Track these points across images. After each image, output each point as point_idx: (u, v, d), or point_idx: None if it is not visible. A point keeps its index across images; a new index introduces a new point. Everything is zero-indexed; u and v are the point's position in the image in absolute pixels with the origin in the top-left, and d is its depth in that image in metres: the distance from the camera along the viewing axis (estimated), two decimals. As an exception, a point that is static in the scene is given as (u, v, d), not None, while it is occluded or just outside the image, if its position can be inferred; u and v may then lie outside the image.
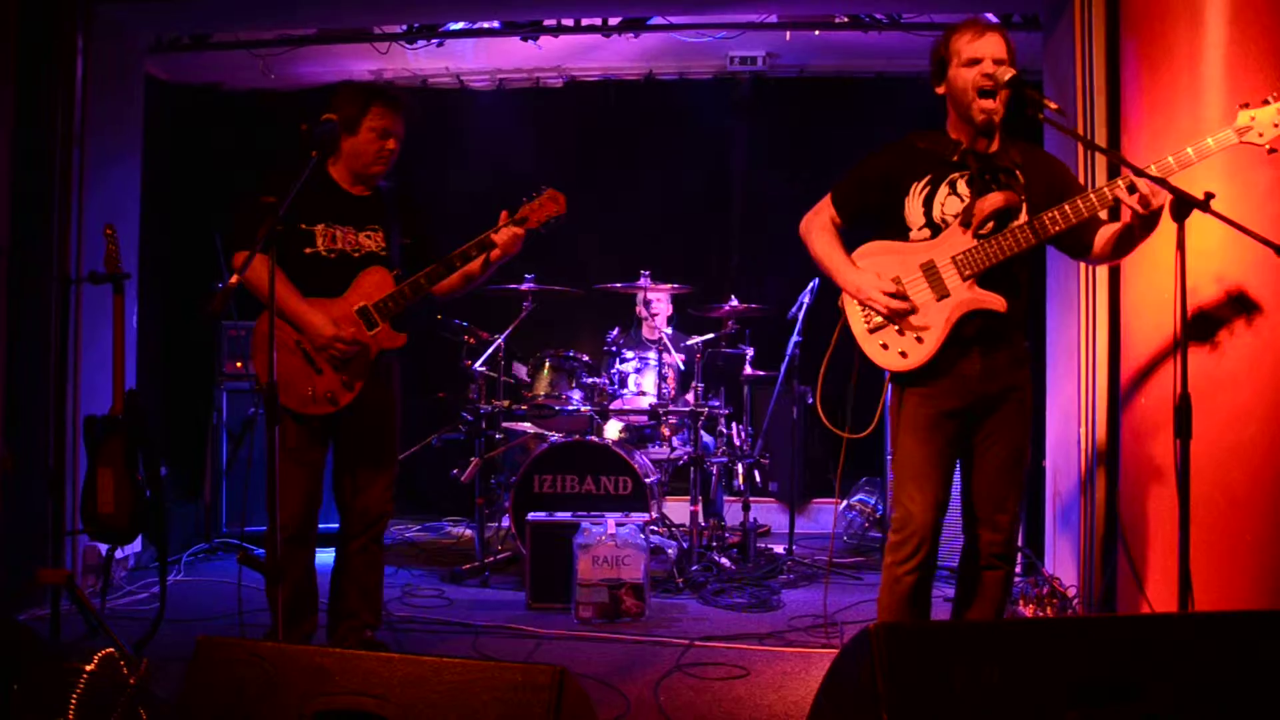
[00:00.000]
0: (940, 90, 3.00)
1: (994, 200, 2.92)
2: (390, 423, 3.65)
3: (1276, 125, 2.74)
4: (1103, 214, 2.87)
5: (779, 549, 5.65)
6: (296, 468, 3.43)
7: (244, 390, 5.92)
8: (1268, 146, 2.76)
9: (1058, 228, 2.83)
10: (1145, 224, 2.82)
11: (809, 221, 3.19)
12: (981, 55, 2.86)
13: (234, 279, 2.74)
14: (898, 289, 2.96)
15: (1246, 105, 2.77)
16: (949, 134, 3.03)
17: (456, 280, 3.57)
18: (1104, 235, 2.97)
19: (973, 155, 2.97)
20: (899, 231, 3.05)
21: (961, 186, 2.98)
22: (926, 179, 3.01)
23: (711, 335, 5.69)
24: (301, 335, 3.38)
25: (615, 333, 5.70)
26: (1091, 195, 2.81)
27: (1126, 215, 2.84)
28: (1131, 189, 2.74)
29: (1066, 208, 2.82)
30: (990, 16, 5.45)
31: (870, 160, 3.13)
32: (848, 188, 3.14)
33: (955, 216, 2.96)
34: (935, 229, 2.99)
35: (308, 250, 3.44)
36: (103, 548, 4.44)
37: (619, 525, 4.47)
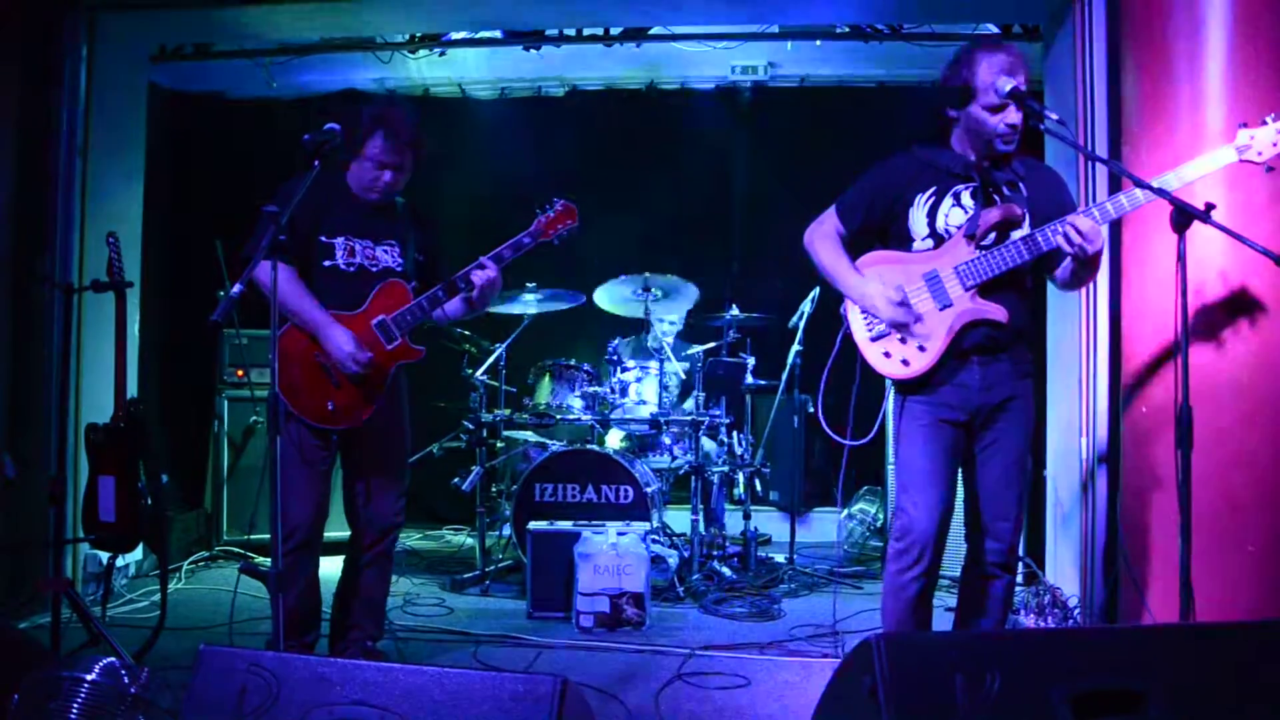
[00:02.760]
0: (954, 113, 3.01)
1: (997, 213, 2.95)
2: (403, 436, 3.67)
3: (1275, 144, 2.78)
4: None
5: (780, 558, 5.65)
6: (307, 478, 3.43)
7: (245, 398, 5.92)
8: (1266, 165, 2.80)
9: (1051, 246, 2.87)
10: (1084, 266, 2.90)
11: (813, 231, 3.21)
12: (1009, 101, 2.89)
13: (236, 287, 2.74)
14: (902, 298, 2.98)
15: (1246, 124, 2.81)
16: (953, 148, 3.06)
17: (460, 306, 3.60)
18: (1065, 264, 3.02)
19: (978, 168, 3.01)
20: (902, 242, 3.08)
21: (966, 198, 3.01)
22: (931, 191, 3.04)
23: (713, 344, 5.69)
24: (321, 350, 3.39)
25: (617, 342, 5.70)
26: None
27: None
28: (1069, 239, 2.79)
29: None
30: (990, 27, 5.48)
31: (875, 172, 3.16)
32: (853, 199, 3.16)
33: (959, 227, 2.98)
34: (939, 240, 3.02)
35: (327, 263, 3.46)
36: (103, 556, 4.43)
37: (620, 534, 4.47)
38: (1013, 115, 2.90)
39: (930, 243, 3.03)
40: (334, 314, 3.40)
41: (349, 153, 3.44)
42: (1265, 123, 2.79)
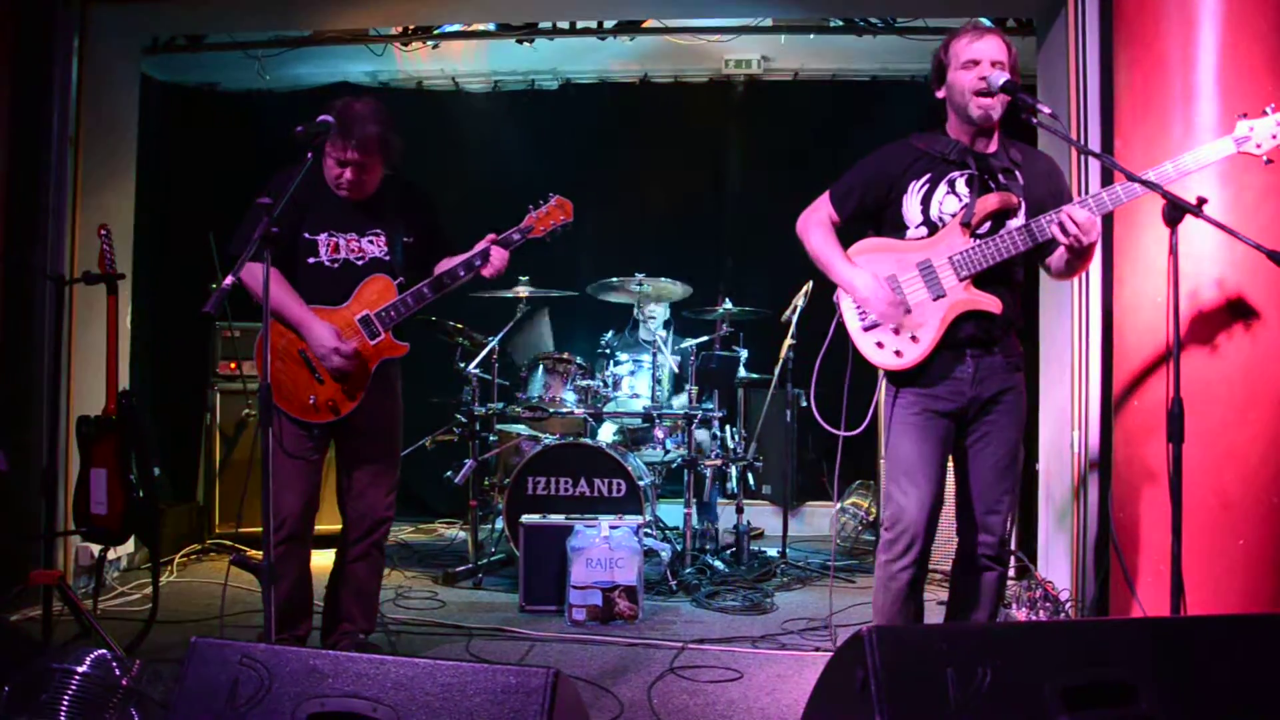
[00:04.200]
0: (940, 94, 3.03)
1: (992, 201, 2.94)
2: (393, 430, 3.66)
3: (1275, 136, 2.76)
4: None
5: (772, 552, 5.65)
6: (295, 470, 3.42)
7: (237, 391, 5.91)
8: (1265, 157, 2.78)
9: (1047, 236, 2.86)
10: (1078, 255, 2.90)
11: (806, 218, 3.19)
12: (979, 57, 2.90)
13: (228, 279, 2.73)
14: (895, 291, 2.97)
15: (1245, 115, 2.79)
16: (949, 135, 3.05)
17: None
18: (1058, 253, 3.01)
19: (972, 155, 2.99)
20: (896, 229, 3.07)
21: (960, 186, 3.00)
22: (926, 178, 3.02)
23: (706, 338, 5.69)
24: (304, 344, 3.38)
25: (609, 335, 5.70)
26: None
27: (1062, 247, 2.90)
28: (1064, 229, 2.79)
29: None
30: (984, 20, 5.47)
31: (870, 159, 3.14)
32: (846, 186, 3.15)
33: (953, 215, 2.97)
34: (932, 228, 3.01)
35: (311, 260, 3.44)
36: (95, 548, 4.42)
37: (613, 528, 4.47)
38: (985, 70, 2.88)
39: (924, 230, 3.02)
40: (317, 309, 3.39)
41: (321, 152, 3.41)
42: (1265, 114, 2.77)
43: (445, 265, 3.53)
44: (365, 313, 3.43)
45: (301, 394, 3.39)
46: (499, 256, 3.48)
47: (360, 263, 3.48)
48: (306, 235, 3.43)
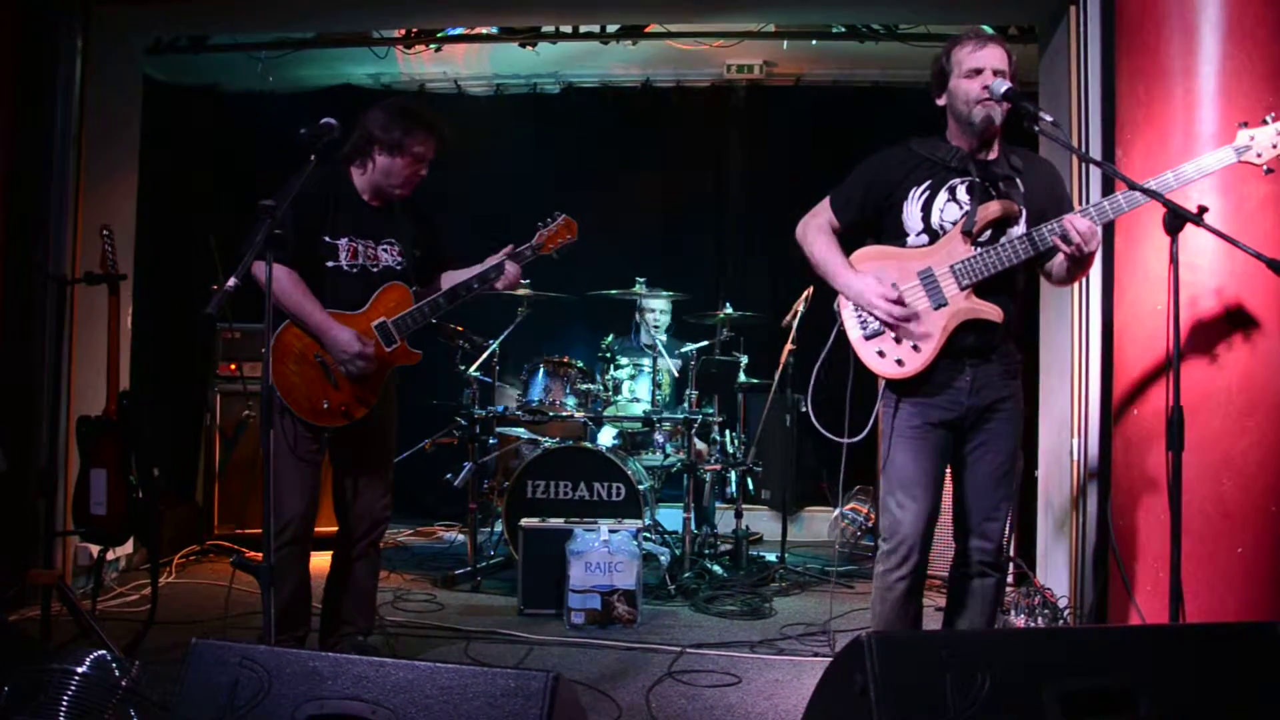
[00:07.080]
0: (940, 101, 3.02)
1: (994, 209, 2.93)
2: (392, 432, 3.70)
3: (1275, 145, 2.76)
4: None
5: (771, 556, 5.65)
6: (301, 472, 3.43)
7: (237, 392, 5.91)
8: (1265, 166, 2.78)
9: (1048, 245, 2.86)
10: (1078, 264, 2.89)
11: (806, 224, 3.17)
12: (982, 65, 2.90)
13: (231, 280, 2.72)
14: (898, 296, 2.96)
15: (1245, 124, 2.80)
16: (949, 141, 3.05)
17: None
18: (1058, 260, 3.01)
19: (973, 162, 2.99)
20: (896, 236, 3.06)
21: (961, 193, 2.98)
22: (926, 184, 3.01)
23: (706, 343, 5.70)
24: (320, 348, 3.39)
25: (610, 338, 5.70)
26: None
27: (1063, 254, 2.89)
28: (1066, 238, 2.78)
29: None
30: (986, 28, 5.48)
31: (870, 164, 3.13)
32: (847, 191, 3.13)
33: (954, 223, 2.96)
34: (933, 235, 3.00)
35: (330, 264, 3.45)
36: (94, 549, 4.42)
37: (612, 532, 4.47)
38: (988, 79, 2.88)
39: (925, 238, 3.00)
40: (335, 314, 3.40)
41: (387, 152, 3.43)
42: (1265, 123, 2.77)
43: (455, 277, 3.61)
44: (383, 320, 3.45)
45: (314, 397, 3.40)
46: (514, 271, 3.58)
47: (375, 270, 3.51)
48: (327, 238, 3.44)
